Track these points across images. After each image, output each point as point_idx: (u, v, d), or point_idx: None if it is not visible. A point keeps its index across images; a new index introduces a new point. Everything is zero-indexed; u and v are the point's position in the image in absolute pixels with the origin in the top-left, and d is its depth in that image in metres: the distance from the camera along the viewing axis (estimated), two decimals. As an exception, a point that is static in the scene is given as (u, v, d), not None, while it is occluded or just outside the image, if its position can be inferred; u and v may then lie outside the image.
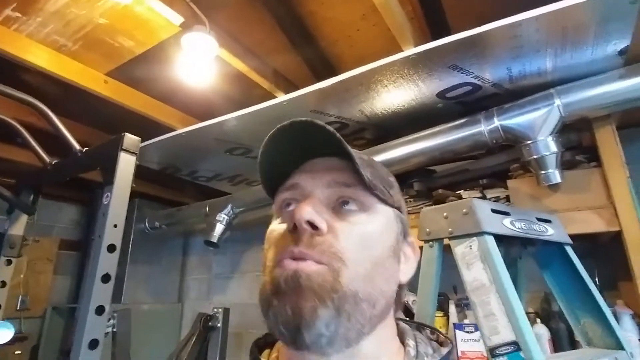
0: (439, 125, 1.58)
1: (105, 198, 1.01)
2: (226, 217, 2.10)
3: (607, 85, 1.26)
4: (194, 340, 1.59)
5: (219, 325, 1.66)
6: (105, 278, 0.91)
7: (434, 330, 0.50)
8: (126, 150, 1.04)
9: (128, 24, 1.31)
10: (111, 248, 0.94)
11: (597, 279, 1.36)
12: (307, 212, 0.39)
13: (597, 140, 1.33)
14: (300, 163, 0.47)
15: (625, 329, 1.10)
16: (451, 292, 1.72)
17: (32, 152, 1.36)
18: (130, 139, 1.07)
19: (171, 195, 2.85)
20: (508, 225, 0.75)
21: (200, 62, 1.31)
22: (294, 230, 0.39)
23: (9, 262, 1.30)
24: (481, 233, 0.73)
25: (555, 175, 1.29)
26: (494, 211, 0.77)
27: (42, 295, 2.53)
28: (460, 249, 0.75)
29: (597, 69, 1.30)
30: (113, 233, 0.95)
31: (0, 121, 1.36)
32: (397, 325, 0.47)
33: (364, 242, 0.41)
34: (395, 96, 1.50)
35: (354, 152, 0.42)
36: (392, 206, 0.46)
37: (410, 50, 1.28)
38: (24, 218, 1.39)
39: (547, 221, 0.86)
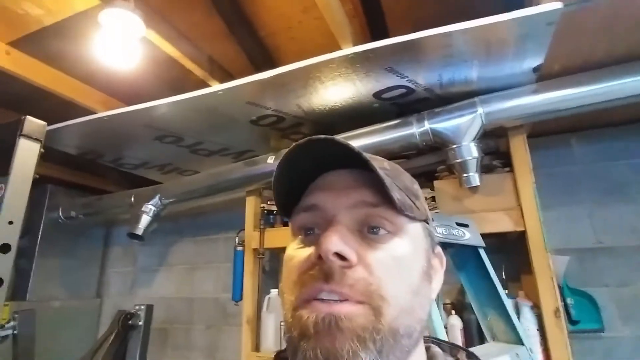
0: (375, 124, 1.62)
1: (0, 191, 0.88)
2: (153, 208, 1.97)
3: (522, 98, 1.38)
4: (111, 339, 1.48)
5: (140, 323, 1.56)
6: (-1, 282, 0.80)
7: (470, 353, 0.47)
8: (27, 136, 0.91)
9: (36, -10, 1.15)
10: (5, 248, 0.82)
11: (503, 273, 1.51)
12: (334, 242, 0.35)
13: (511, 148, 1.46)
14: (314, 175, 0.43)
15: (525, 318, 1.24)
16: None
17: None
18: (33, 123, 0.94)
19: (91, 181, 2.60)
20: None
21: (123, 43, 1.19)
22: (320, 262, 0.36)
23: None
24: None
25: (475, 179, 1.39)
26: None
27: None
28: None
29: (515, 82, 1.42)
30: (8, 231, 0.83)
31: None
32: (428, 349, 0.45)
33: (400, 271, 0.38)
34: (332, 93, 1.50)
35: (376, 164, 0.38)
36: (420, 220, 0.43)
37: (349, 49, 1.29)
38: None
39: (465, 225, 0.93)
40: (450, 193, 1.50)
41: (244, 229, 1.90)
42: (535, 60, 1.31)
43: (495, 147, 1.58)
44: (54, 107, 1.37)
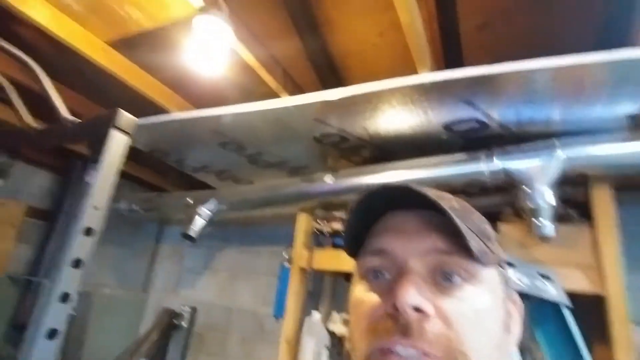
0: (439, 155, 1.56)
1: (89, 177, 0.94)
2: (209, 212, 2.03)
3: (611, 145, 1.27)
4: (155, 335, 1.50)
5: (184, 324, 1.58)
6: (76, 263, 0.84)
7: None
8: (119, 129, 0.98)
9: (142, -4, 1.25)
10: (88, 231, 0.86)
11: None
12: (411, 295, 0.34)
13: (592, 198, 1.33)
14: (379, 213, 0.43)
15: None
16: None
17: (14, 112, 1.27)
18: (125, 116, 1.01)
19: (152, 178, 2.74)
20: (515, 280, 0.73)
21: (212, 49, 1.26)
22: (394, 313, 0.35)
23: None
24: None
25: (549, 228, 1.28)
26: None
27: (0, 262, 2.38)
28: None
29: (603, 127, 1.30)
30: (93, 215, 0.88)
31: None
32: None
33: (480, 323, 0.36)
34: (401, 119, 1.48)
35: (445, 204, 0.37)
36: (494, 264, 0.41)
37: (425, 77, 1.26)
38: (-6, 181, 1.30)
39: (548, 278, 0.84)
40: (517, 239, 1.39)
41: (291, 246, 1.89)
42: (631, 107, 1.20)
43: (572, 194, 1.45)
44: (132, 103, 1.47)
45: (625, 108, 1.21)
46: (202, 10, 1.17)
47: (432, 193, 0.38)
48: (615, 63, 1.04)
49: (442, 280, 0.37)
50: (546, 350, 0.86)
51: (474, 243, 0.36)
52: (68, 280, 0.83)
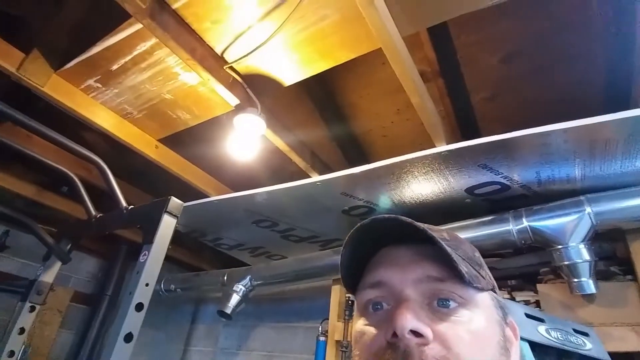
0: (467, 220, 1.59)
1: (143, 256, 1.05)
2: (243, 288, 2.07)
3: (638, 199, 1.27)
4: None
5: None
6: (129, 337, 0.91)
7: None
8: (169, 213, 1.11)
9: (189, 101, 1.49)
10: (139, 307, 0.95)
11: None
12: (408, 320, 0.35)
13: (631, 253, 1.30)
14: (373, 251, 0.45)
15: None
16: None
17: (80, 204, 1.46)
18: (175, 202, 1.15)
19: (189, 259, 2.85)
20: (543, 333, 0.72)
21: (247, 140, 1.43)
22: (394, 340, 0.36)
23: (33, 309, 1.31)
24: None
25: (590, 285, 1.24)
26: (528, 316, 0.75)
27: (44, 348, 2.45)
28: None
29: (628, 181, 1.32)
30: (144, 292, 0.97)
31: (59, 172, 1.48)
32: None
33: (477, 345, 0.37)
34: (424, 187, 1.55)
35: (436, 234, 0.39)
36: (487, 289, 0.42)
37: (443, 147, 1.36)
38: (57, 266, 1.44)
39: (585, 334, 0.82)
40: (558, 299, 1.34)
41: (327, 318, 1.87)
42: (649, 160, 1.23)
43: (611, 251, 1.42)
44: (177, 191, 1.65)
45: (643, 161, 1.24)
46: (239, 107, 1.37)
47: (422, 225, 0.40)
48: (622, 121, 1.10)
49: (438, 306, 0.38)
50: None
51: (465, 268, 0.38)
52: (120, 353, 0.89)
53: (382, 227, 0.43)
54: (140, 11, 0.99)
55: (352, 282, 0.46)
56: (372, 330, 0.40)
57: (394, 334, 0.36)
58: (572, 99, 1.63)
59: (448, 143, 1.49)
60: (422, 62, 1.58)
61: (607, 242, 1.41)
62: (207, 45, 1.25)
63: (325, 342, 1.82)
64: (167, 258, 2.69)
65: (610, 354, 1.07)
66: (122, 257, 2.69)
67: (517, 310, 0.75)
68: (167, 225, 1.11)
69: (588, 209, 1.32)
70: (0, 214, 1.82)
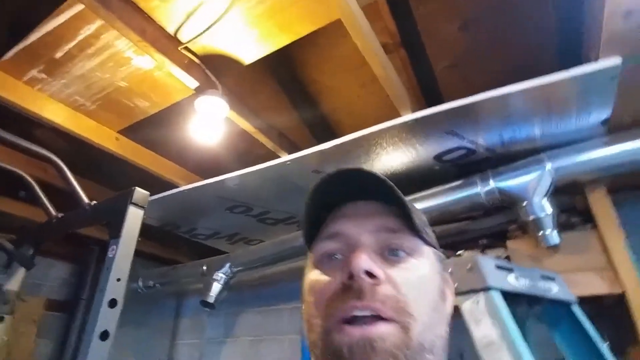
0: (437, 186, 1.63)
1: (111, 251, 1.01)
2: (224, 276, 2.06)
3: (593, 151, 1.34)
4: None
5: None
6: (104, 335, 0.88)
7: None
8: (135, 204, 1.07)
9: (146, 87, 1.41)
10: (112, 303, 0.92)
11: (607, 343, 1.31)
12: (364, 261, 0.38)
13: (590, 203, 1.38)
14: (336, 206, 0.46)
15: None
16: None
17: (38, 205, 1.38)
18: (140, 192, 1.11)
19: (166, 253, 2.79)
20: (513, 282, 0.76)
21: (210, 123, 1.39)
22: (350, 282, 0.38)
23: (1, 320, 1.25)
24: (487, 288, 0.73)
25: (554, 236, 1.31)
26: (498, 267, 0.78)
27: (21, 360, 2.35)
28: (467, 306, 0.75)
29: (583, 136, 1.39)
30: (116, 287, 0.94)
31: (11, 173, 1.39)
32: None
33: (422, 288, 0.41)
34: (394, 158, 1.57)
35: (400, 192, 0.42)
36: (432, 245, 0.46)
37: (408, 116, 1.37)
38: (20, 273, 1.37)
39: (551, 279, 0.87)
40: (527, 253, 1.41)
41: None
42: (602, 114, 1.29)
43: (571, 203, 1.50)
44: (143, 183, 1.59)
45: (597, 116, 1.30)
46: (198, 90, 1.32)
47: (383, 176, 0.43)
48: (575, 78, 1.15)
49: (389, 255, 0.42)
50: (566, 351, 0.85)
51: (417, 221, 0.43)
52: (96, 352, 0.86)
53: (344, 181, 0.45)
54: (79, -10, 0.92)
55: (312, 237, 0.47)
56: (326, 277, 0.42)
57: (350, 275, 0.38)
58: (528, 63, 1.67)
59: (413, 112, 1.50)
60: (383, 33, 1.57)
61: (567, 195, 1.48)
62: (158, 25, 1.18)
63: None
64: (143, 254, 2.67)
65: (579, 298, 1.14)
66: (94, 259, 2.60)
67: (488, 263, 0.78)
68: (134, 217, 1.07)
69: (548, 166, 1.38)
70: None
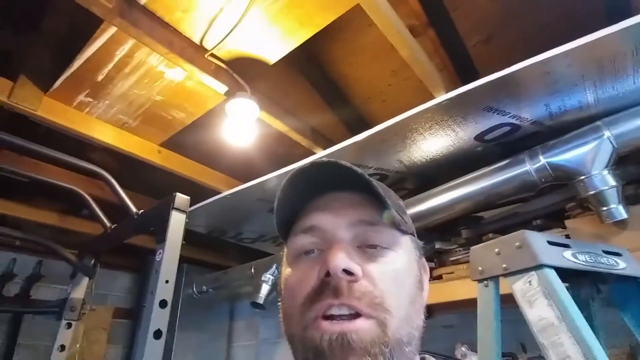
0: (481, 169, 1.54)
1: (158, 255, 1.07)
2: (271, 277, 2.09)
3: (659, 112, 1.19)
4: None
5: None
6: (157, 334, 0.92)
7: None
8: (177, 209, 1.12)
9: (180, 98, 1.48)
10: (163, 304, 0.96)
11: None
12: (341, 259, 0.38)
13: (660, 171, 1.23)
14: (311, 199, 0.45)
15: None
16: (519, 351, 1.53)
17: (95, 219, 1.49)
18: (181, 197, 1.15)
19: (216, 259, 2.91)
20: (570, 258, 0.69)
21: (243, 125, 1.42)
22: (327, 280, 0.38)
23: (69, 326, 1.36)
24: (540, 266, 0.66)
25: (620, 211, 1.18)
26: (551, 243, 0.71)
27: (96, 365, 2.55)
28: (518, 286, 0.68)
29: (644, 97, 1.24)
30: (165, 289, 0.99)
31: (70, 191, 1.51)
32: (423, 359, 0.46)
33: (399, 282, 0.41)
34: (432, 143, 1.50)
35: (377, 185, 0.41)
36: (409, 233, 0.46)
37: (442, 97, 1.31)
38: (84, 282, 1.48)
39: (617, 254, 0.78)
40: (590, 231, 1.29)
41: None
42: (664, 69, 1.15)
43: (638, 173, 1.34)
44: (187, 191, 1.66)
45: (659, 71, 1.16)
46: (228, 94, 1.36)
47: (359, 170, 0.41)
48: (625, 31, 1.03)
49: (367, 248, 0.41)
50: (638, 334, 0.75)
51: (396, 214, 0.42)
52: (151, 350, 0.91)
53: (318, 173, 0.43)
54: (108, 12, 0.98)
55: (287, 230, 0.46)
56: (303, 274, 0.41)
57: (327, 273, 0.38)
58: (571, 19, 1.54)
59: (447, 92, 1.43)
60: (409, 16, 1.52)
61: (633, 165, 1.34)
62: (183, 35, 1.23)
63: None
64: (195, 261, 2.79)
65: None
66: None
67: (539, 239, 0.71)
68: (177, 221, 1.12)
69: (607, 133, 1.25)
70: (28, 244, 1.89)
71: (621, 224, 1.22)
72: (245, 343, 2.87)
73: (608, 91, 1.24)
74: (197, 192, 1.97)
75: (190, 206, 1.78)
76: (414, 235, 0.47)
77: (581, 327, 0.58)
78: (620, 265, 0.75)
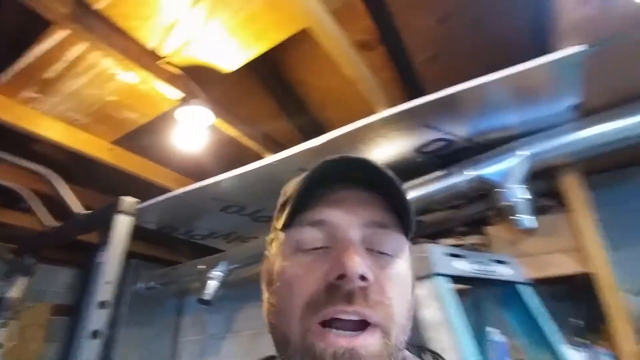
0: (421, 177, 1.68)
1: (100, 257, 1.08)
2: (220, 274, 2.12)
3: (566, 136, 1.39)
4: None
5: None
6: (95, 334, 0.95)
7: (435, 354, 0.50)
8: (122, 212, 1.13)
9: (133, 100, 1.47)
10: (102, 304, 0.98)
11: (581, 321, 1.38)
12: (359, 264, 0.36)
13: (564, 187, 1.43)
14: (320, 192, 0.41)
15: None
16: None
17: (35, 217, 1.45)
18: (127, 201, 1.17)
19: (167, 254, 2.87)
20: (460, 267, 0.82)
21: (195, 131, 1.45)
22: (340, 282, 0.36)
23: (4, 325, 1.32)
24: (434, 274, 0.80)
25: (527, 220, 1.37)
26: (447, 254, 0.85)
27: (31, 364, 2.44)
28: (421, 291, 0.81)
29: (557, 122, 1.43)
30: (105, 289, 1.00)
31: (11, 189, 1.45)
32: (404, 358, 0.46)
33: (403, 292, 0.40)
34: (377, 153, 1.61)
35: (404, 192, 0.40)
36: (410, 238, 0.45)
37: (385, 112, 1.42)
38: (22, 281, 1.43)
39: (502, 262, 0.93)
40: (505, 237, 1.47)
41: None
42: (572, 99, 1.33)
43: (548, 188, 1.55)
44: (140, 189, 1.65)
45: (567, 101, 1.35)
46: (185, 100, 1.38)
47: (389, 172, 0.40)
48: (542, 66, 1.19)
49: (377, 252, 0.40)
50: (515, 330, 0.92)
51: (413, 225, 0.41)
52: (88, 351, 0.93)
53: (346, 170, 0.41)
54: (62, 17, 0.97)
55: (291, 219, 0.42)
56: (305, 270, 0.39)
57: (341, 276, 0.36)
58: (507, 48, 1.70)
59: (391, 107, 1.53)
60: (362, 31, 1.61)
61: (544, 180, 1.54)
62: (139, 42, 1.23)
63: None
64: (144, 257, 2.74)
65: (552, 278, 1.21)
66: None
67: (437, 251, 0.85)
68: (122, 224, 1.13)
69: (524, 152, 1.43)
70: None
71: (530, 231, 1.41)
72: (192, 338, 2.88)
73: (526, 115, 1.42)
74: (150, 189, 1.96)
75: (142, 203, 1.78)
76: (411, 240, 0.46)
77: (458, 325, 0.72)
78: (504, 272, 0.90)
